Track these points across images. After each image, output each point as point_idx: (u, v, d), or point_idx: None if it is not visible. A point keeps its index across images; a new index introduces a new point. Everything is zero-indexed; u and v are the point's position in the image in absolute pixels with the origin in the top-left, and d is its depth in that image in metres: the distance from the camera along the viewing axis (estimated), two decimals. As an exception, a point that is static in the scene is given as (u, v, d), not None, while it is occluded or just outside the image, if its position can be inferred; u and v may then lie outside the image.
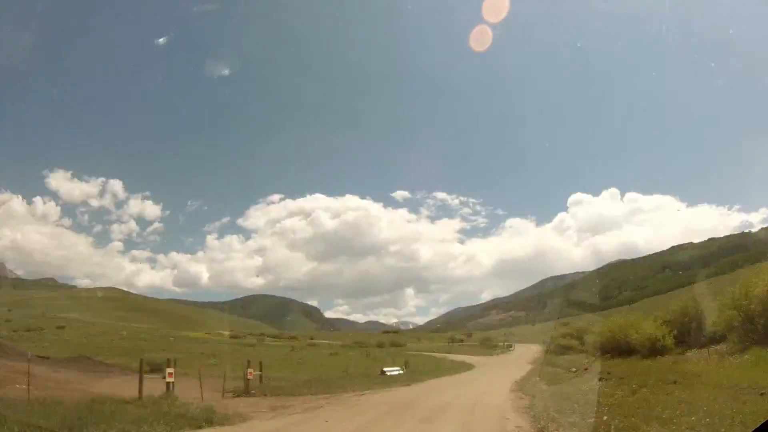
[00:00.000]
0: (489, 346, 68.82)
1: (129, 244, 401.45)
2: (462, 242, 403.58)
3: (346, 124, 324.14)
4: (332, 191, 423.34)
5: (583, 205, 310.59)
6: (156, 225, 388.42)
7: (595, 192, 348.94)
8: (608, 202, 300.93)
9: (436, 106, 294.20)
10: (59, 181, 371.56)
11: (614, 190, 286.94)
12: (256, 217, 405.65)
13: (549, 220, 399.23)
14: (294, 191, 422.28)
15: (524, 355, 50.28)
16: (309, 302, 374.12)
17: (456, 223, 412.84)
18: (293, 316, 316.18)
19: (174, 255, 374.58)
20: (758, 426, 4.38)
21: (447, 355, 57.70)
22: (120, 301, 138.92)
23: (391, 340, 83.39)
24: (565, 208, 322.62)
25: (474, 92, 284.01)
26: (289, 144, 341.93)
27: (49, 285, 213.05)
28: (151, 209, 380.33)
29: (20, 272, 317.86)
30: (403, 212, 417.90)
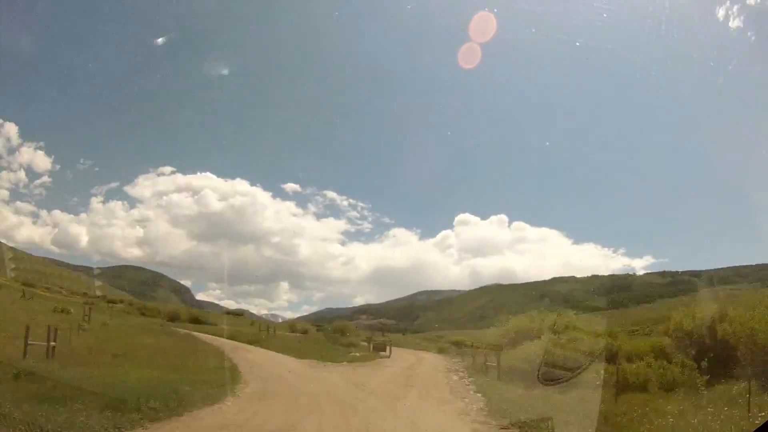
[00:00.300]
0: (340, 343, 36.69)
1: (15, 194, 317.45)
2: (344, 244, 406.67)
3: (250, 110, 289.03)
4: (223, 173, 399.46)
5: (469, 226, 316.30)
6: (44, 179, 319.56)
7: (484, 215, 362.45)
8: (495, 227, 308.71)
9: (339, 104, 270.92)
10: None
11: (503, 217, 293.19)
12: (144, 186, 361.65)
13: (433, 236, 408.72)
14: (186, 167, 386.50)
15: (424, 378, 18.25)
16: (182, 281, 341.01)
17: (341, 225, 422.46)
18: (163, 293, 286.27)
19: (57, 213, 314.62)
20: (758, 426, 4.61)
21: (246, 346, 28.16)
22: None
23: (195, 316, 53.59)
24: (451, 226, 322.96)
25: (383, 99, 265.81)
26: (187, 118, 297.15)
27: None
28: (43, 160, 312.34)
29: None
30: (290, 205, 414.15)
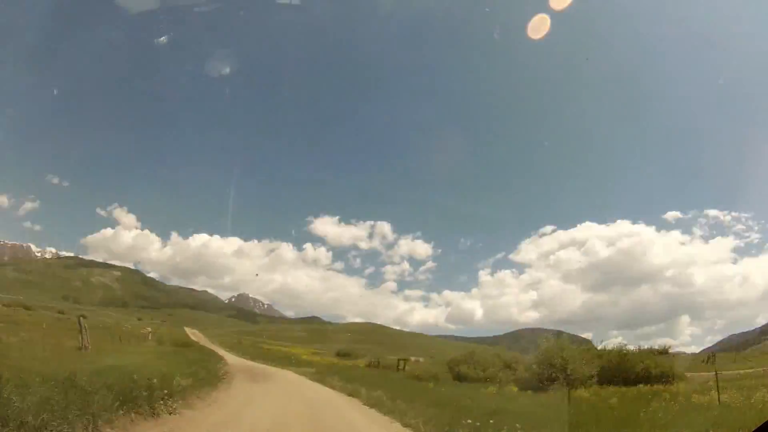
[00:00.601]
0: None
1: (402, 284, 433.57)
2: (735, 262, 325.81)
3: (609, 148, 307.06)
4: (603, 218, 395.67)
5: None
6: (429, 264, 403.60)
7: None
8: None
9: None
10: (326, 226, 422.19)
11: None
12: (528, 251, 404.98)
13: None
14: (565, 221, 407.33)
15: None
16: (583, 335, 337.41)
17: (729, 242, 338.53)
18: None
19: (447, 293, 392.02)
20: (758, 426, 4.16)
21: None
22: (378, 334, 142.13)
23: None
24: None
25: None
26: (558, 174, 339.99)
27: (312, 322, 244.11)
28: (422, 248, 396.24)
29: (289, 313, 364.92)
30: (675, 234, 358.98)
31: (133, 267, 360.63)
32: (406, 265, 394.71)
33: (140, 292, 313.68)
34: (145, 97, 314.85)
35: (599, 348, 26.94)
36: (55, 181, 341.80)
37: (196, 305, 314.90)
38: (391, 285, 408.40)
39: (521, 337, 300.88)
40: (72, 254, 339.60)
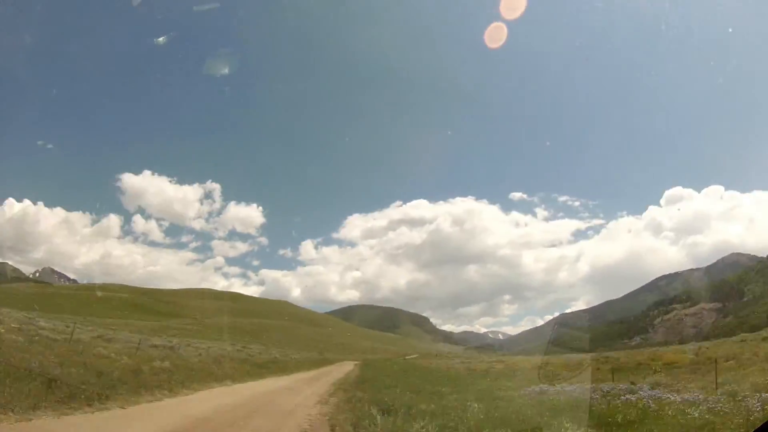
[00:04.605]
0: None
1: (229, 260, 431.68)
2: (570, 244, 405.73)
3: (464, 126, 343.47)
4: (434, 197, 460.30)
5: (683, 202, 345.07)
6: (257, 239, 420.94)
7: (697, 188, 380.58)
8: (711, 200, 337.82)
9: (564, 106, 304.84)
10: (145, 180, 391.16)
11: (717, 187, 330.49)
12: (354, 226, 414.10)
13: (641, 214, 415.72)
14: (406, 196, 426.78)
15: None
16: (417, 312, 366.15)
17: (568, 226, 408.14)
18: (405, 327, 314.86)
19: (265, 272, 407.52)
20: (759, 426, 4.52)
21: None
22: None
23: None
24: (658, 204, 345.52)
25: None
26: (398, 146, 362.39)
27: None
28: (254, 214, 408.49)
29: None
30: (516, 215, 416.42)
31: None
32: (233, 242, 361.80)
33: None
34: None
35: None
36: None
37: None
38: (219, 261, 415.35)
39: (353, 315, 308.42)
40: None
